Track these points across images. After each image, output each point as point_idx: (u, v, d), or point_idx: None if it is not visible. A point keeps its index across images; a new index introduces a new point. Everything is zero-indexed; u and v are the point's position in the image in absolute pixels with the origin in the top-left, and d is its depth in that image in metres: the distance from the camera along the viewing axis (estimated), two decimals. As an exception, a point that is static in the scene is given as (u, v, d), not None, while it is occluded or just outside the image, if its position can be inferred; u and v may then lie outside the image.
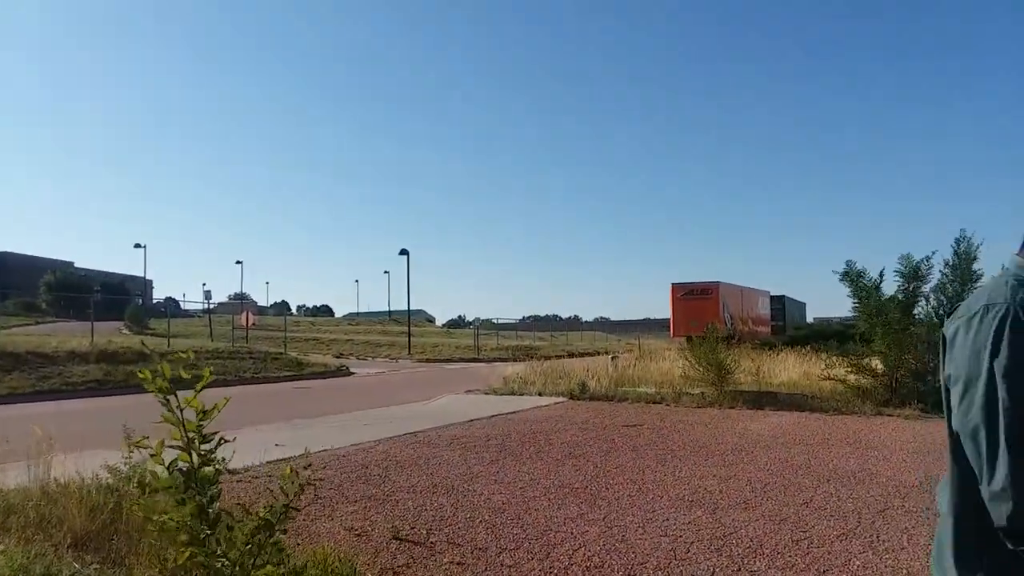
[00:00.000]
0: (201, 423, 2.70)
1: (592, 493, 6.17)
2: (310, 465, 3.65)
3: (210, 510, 2.72)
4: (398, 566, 4.41)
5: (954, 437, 1.42)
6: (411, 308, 44.69)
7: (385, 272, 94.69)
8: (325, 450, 8.10)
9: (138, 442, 2.80)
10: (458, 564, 4.43)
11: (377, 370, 27.45)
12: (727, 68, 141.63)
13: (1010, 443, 1.22)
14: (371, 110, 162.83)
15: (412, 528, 5.18)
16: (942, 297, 11.78)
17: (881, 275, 12.50)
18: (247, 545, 2.80)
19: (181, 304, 53.41)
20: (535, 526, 5.21)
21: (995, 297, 1.38)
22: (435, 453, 8.07)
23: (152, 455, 2.68)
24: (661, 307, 35.07)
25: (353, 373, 25.51)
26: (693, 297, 34.11)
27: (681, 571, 4.31)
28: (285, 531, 2.97)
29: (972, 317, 1.38)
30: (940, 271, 11.91)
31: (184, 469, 2.71)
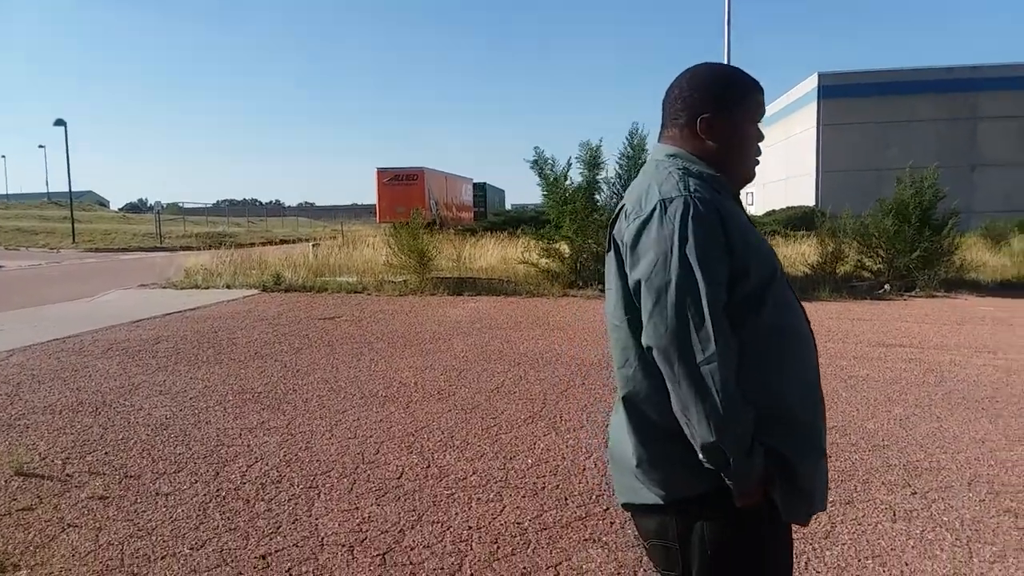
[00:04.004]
0: None
1: (277, 397, 5.61)
2: None
3: None
4: (18, 509, 3.50)
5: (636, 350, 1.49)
6: (79, 190, 38.52)
7: (40, 146, 79.86)
8: (-67, 367, 6.43)
9: None
10: (100, 499, 3.64)
11: (32, 262, 23.26)
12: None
13: (712, 312, 1.35)
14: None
15: (44, 459, 4.20)
16: (618, 187, 12.72)
17: (568, 164, 13.07)
18: None
19: None
20: (204, 442, 4.53)
21: (668, 191, 1.43)
22: (87, 363, 6.80)
23: None
24: (370, 193, 34.31)
25: (1, 266, 21.34)
26: (399, 183, 33.90)
27: (368, 475, 4.00)
28: None
29: (651, 216, 1.41)
30: (616, 162, 12.81)
31: None
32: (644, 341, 1.43)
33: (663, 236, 1.39)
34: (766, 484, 1.42)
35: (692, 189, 1.43)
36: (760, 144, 1.63)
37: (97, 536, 3.23)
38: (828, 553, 3.09)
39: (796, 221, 23.76)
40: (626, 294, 1.50)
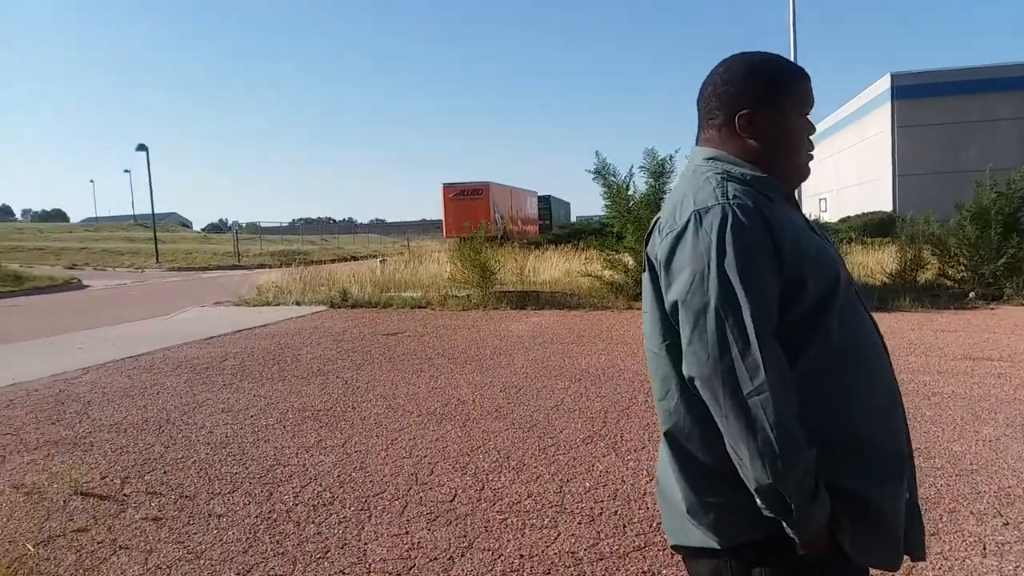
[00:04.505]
0: None
1: (336, 415, 5.59)
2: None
3: None
4: (71, 531, 3.54)
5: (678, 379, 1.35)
6: (164, 211, 40.35)
7: (126, 171, 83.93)
8: (14, 384, 6.70)
9: None
10: (154, 520, 3.65)
11: (118, 282, 24.39)
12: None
13: (759, 335, 1.19)
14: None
15: (104, 478, 4.27)
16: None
17: (631, 172, 12.81)
18: None
19: None
20: (261, 461, 4.53)
21: (703, 200, 1.28)
22: (156, 380, 6.98)
23: None
24: (438, 208, 34.67)
25: (87, 286, 22.44)
26: (464, 198, 34.11)
27: (421, 497, 3.90)
28: None
29: (684, 230, 1.27)
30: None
31: None
32: (685, 371, 1.27)
33: (699, 251, 1.24)
34: (833, 529, 1.24)
35: (732, 196, 1.27)
36: (811, 138, 1.45)
37: (147, 559, 3.23)
38: (912, 592, 2.82)
39: (873, 228, 22.78)
40: (664, 318, 1.35)
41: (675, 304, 1.28)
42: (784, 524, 1.22)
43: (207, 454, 4.68)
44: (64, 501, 3.93)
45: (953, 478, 3.98)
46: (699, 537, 1.34)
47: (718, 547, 1.31)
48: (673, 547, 1.44)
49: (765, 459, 1.17)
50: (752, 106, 1.38)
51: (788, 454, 1.17)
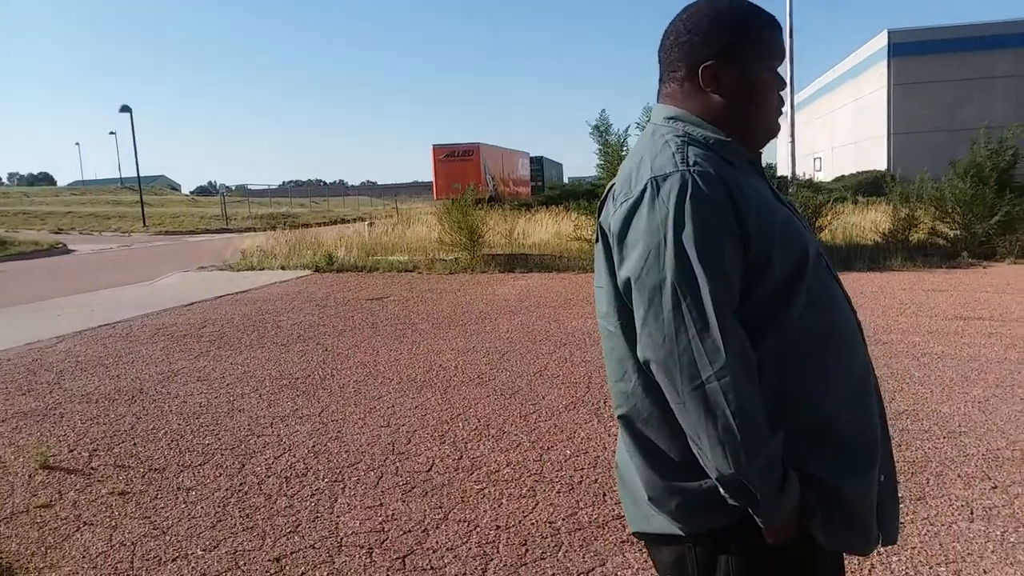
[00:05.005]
0: None
1: (314, 383, 5.48)
2: None
3: None
4: (36, 506, 3.44)
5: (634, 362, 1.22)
6: (152, 174, 39.80)
7: (111, 133, 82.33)
8: (-13, 353, 6.56)
9: None
10: (120, 495, 3.55)
11: (103, 246, 24.09)
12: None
13: (719, 315, 1.08)
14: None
15: (72, 451, 4.16)
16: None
17: (627, 131, 12.51)
18: None
19: None
20: (234, 431, 4.42)
21: (662, 165, 1.16)
22: (132, 348, 6.83)
23: None
24: (429, 170, 34.31)
25: (73, 251, 22.15)
26: (455, 159, 33.71)
27: (397, 467, 3.81)
28: None
29: (640, 199, 1.14)
30: None
31: None
32: (639, 353, 1.16)
33: (655, 223, 1.12)
34: (802, 516, 1.15)
35: (692, 162, 1.14)
36: (782, 93, 1.31)
37: (111, 535, 3.13)
38: (895, 559, 2.74)
39: (867, 187, 22.64)
40: (619, 294, 1.22)
41: (628, 281, 1.16)
42: (751, 512, 1.13)
43: (179, 425, 4.57)
44: (29, 476, 3.82)
45: (941, 440, 3.91)
46: (662, 524, 1.26)
47: (682, 534, 1.23)
48: (634, 534, 1.36)
49: (727, 448, 1.07)
50: (717, 57, 1.24)
51: (751, 442, 1.07)
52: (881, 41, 30.10)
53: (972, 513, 3.08)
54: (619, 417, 1.28)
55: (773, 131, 1.31)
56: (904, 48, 29.35)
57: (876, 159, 30.01)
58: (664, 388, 1.14)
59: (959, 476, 3.45)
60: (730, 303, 1.10)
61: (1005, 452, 3.71)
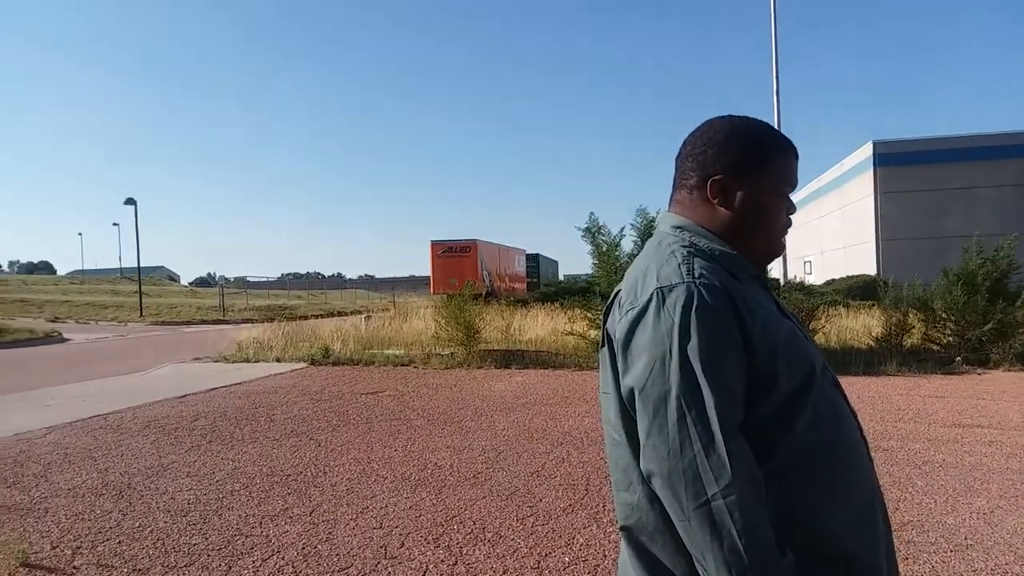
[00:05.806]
0: None
1: (306, 480, 5.36)
2: None
3: None
4: (13, 609, 3.30)
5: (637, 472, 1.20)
6: (151, 265, 40.13)
7: (114, 224, 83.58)
8: (-26, 444, 6.42)
9: None
10: (102, 597, 3.41)
11: (99, 335, 24.02)
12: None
13: (725, 430, 1.06)
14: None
15: (54, 548, 4.02)
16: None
17: (621, 232, 12.77)
18: None
19: None
20: (222, 531, 4.29)
21: (667, 276, 1.17)
22: (121, 441, 6.71)
23: None
24: (427, 265, 34.67)
25: (68, 340, 22.06)
26: (452, 255, 34.14)
27: (389, 572, 3.68)
28: None
29: (646, 309, 1.15)
30: None
31: None
32: (643, 465, 1.14)
33: (660, 334, 1.12)
34: None
35: (698, 274, 1.15)
36: (792, 216, 1.34)
37: (88, 642, 2.99)
38: None
39: (857, 290, 22.89)
40: (623, 403, 1.21)
41: (632, 391, 1.16)
42: None
43: (166, 523, 4.44)
44: (9, 574, 3.68)
45: (948, 554, 3.81)
46: None
47: None
48: None
49: (733, 570, 1.03)
50: (727, 172, 1.28)
51: (759, 565, 1.03)
52: (866, 151, 31.17)
53: (984, 632, 2.98)
54: (622, 528, 1.25)
55: (776, 252, 1.33)
56: (888, 159, 30.36)
57: (865, 263, 30.53)
58: (667, 504, 1.11)
59: (968, 592, 3.36)
60: (735, 418, 1.09)
61: (1014, 567, 3.62)
